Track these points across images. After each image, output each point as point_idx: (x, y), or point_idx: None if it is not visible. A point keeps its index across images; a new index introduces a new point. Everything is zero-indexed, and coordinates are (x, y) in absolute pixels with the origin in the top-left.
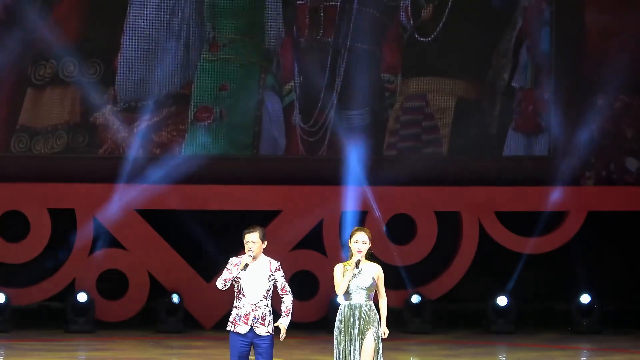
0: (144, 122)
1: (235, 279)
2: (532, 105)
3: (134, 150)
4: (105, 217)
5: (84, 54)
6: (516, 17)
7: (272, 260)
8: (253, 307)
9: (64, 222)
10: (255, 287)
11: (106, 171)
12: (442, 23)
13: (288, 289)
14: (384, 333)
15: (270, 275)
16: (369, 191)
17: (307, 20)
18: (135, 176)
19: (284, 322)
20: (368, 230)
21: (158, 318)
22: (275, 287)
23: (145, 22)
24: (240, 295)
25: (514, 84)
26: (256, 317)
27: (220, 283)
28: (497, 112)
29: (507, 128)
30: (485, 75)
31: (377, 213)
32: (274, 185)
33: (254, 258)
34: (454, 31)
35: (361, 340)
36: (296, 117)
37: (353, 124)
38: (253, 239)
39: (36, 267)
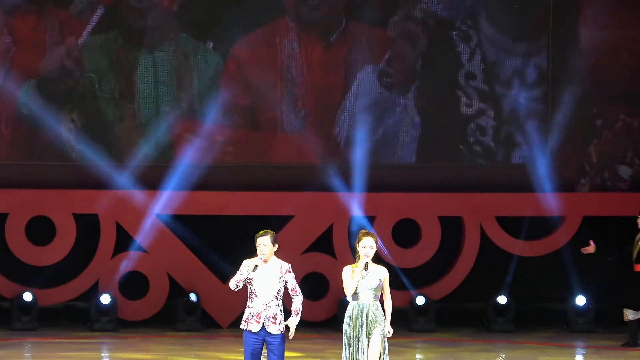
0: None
1: (248, 280)
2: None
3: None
4: (127, 221)
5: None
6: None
7: (283, 263)
8: (265, 307)
9: (88, 226)
10: (266, 288)
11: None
12: None
13: (298, 290)
14: (389, 332)
15: (280, 277)
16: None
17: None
18: (156, 183)
19: (293, 322)
20: (375, 235)
21: (177, 317)
22: (286, 288)
23: None
24: (253, 296)
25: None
26: (268, 316)
27: (232, 284)
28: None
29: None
30: None
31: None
32: (287, 192)
33: (265, 260)
34: None
35: (368, 338)
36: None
37: (363, 136)
38: (265, 243)
39: (62, 269)
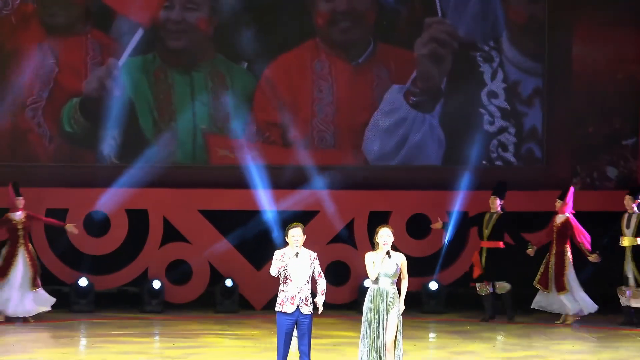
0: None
1: (285, 267)
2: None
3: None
4: (172, 216)
5: None
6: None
7: (311, 252)
8: (298, 290)
9: (138, 220)
10: (300, 273)
11: (175, 178)
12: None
13: (323, 274)
14: (402, 309)
15: (311, 263)
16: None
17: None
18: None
19: (320, 300)
20: (390, 227)
21: (216, 300)
22: (313, 272)
23: None
24: (287, 281)
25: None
26: (301, 298)
27: (274, 271)
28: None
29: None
30: None
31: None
32: (314, 190)
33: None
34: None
35: (387, 316)
36: None
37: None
38: (298, 233)
39: (116, 258)
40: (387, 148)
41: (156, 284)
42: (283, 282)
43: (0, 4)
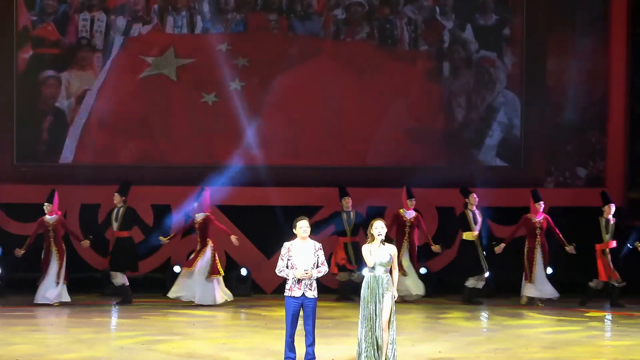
0: None
1: (289, 257)
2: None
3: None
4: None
5: None
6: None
7: (315, 242)
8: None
9: (163, 214)
10: (305, 261)
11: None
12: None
13: (325, 263)
14: (395, 296)
15: (315, 252)
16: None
17: None
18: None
19: (314, 272)
20: (384, 220)
21: (232, 285)
22: (317, 261)
23: None
24: (293, 268)
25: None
26: (306, 284)
27: (278, 270)
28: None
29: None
30: None
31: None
32: (317, 188)
33: (304, 239)
34: None
35: (382, 300)
36: None
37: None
38: (306, 225)
39: (141, 248)
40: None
41: (177, 269)
42: (290, 269)
43: None
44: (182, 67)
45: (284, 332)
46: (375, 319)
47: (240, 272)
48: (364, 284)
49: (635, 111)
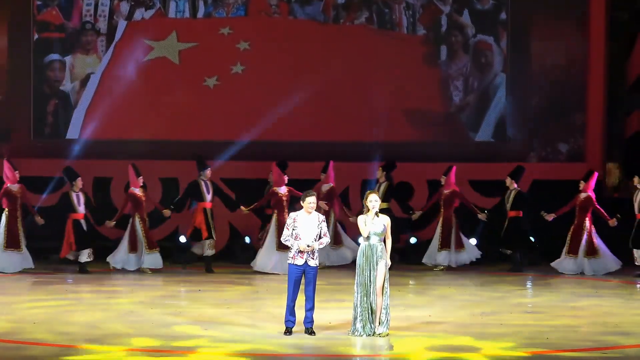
0: None
1: (294, 227)
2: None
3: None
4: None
5: None
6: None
7: (319, 214)
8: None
9: (172, 187)
10: (309, 232)
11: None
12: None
13: (327, 234)
14: (388, 264)
15: (318, 224)
16: None
17: None
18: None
19: (316, 244)
20: (377, 192)
21: (235, 254)
22: (320, 232)
23: None
24: (298, 238)
25: None
26: (308, 252)
27: (283, 239)
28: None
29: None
30: None
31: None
32: (317, 162)
33: (309, 212)
34: None
35: (376, 268)
36: None
37: None
38: (313, 200)
39: (151, 219)
40: None
41: (182, 239)
42: (295, 240)
43: None
44: (184, 50)
45: (284, 297)
46: (370, 285)
47: (244, 240)
48: (359, 253)
49: (613, 91)
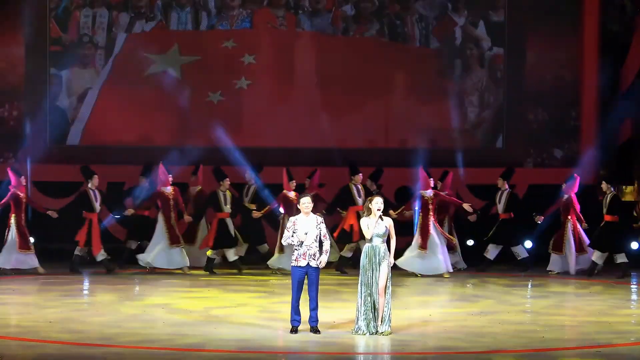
0: None
1: (294, 230)
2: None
3: None
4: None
5: None
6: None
7: (318, 216)
8: (308, 248)
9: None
10: (309, 234)
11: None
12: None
13: (328, 235)
14: (391, 262)
15: (317, 226)
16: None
17: None
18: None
19: (323, 258)
20: (381, 196)
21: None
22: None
23: None
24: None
25: None
26: (310, 255)
27: (285, 241)
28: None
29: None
30: None
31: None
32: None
33: (307, 214)
34: None
35: (379, 268)
36: None
37: None
38: (309, 201)
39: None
40: None
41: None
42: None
43: None
44: (187, 65)
45: (289, 297)
46: (373, 285)
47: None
48: (363, 253)
49: (605, 99)
